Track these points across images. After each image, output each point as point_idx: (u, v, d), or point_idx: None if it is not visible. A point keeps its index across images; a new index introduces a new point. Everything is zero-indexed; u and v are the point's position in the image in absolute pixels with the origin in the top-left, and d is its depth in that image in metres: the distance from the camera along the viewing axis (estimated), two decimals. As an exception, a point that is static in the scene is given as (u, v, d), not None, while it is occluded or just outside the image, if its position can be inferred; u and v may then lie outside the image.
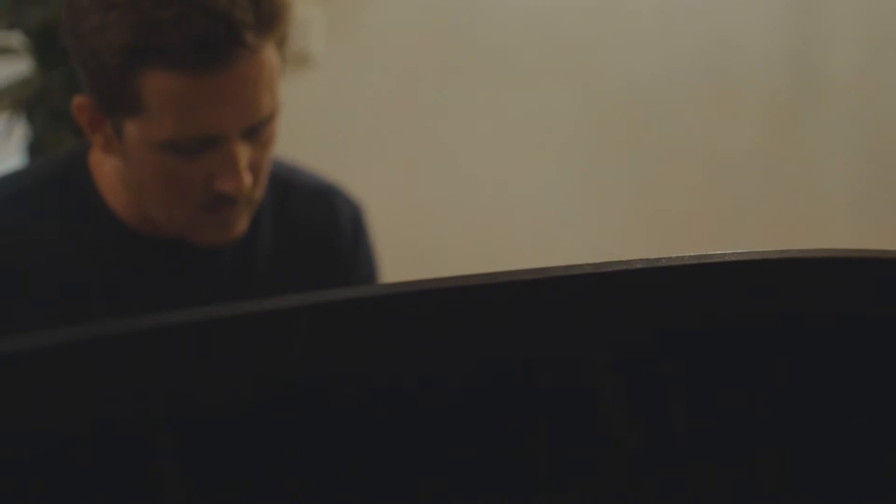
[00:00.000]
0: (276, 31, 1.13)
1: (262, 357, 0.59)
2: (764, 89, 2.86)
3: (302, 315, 0.58)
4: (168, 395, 0.56)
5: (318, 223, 1.35)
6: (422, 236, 2.69)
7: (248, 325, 0.59)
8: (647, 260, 0.61)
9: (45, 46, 2.14)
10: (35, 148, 2.14)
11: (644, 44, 2.81)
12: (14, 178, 1.30)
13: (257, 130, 1.15)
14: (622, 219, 2.84)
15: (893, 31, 2.85)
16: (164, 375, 0.57)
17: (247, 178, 1.15)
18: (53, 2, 2.09)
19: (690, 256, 0.65)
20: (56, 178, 1.27)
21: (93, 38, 1.10)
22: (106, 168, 1.24)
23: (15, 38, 2.22)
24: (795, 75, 2.87)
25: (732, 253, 0.64)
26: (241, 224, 1.21)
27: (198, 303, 1.24)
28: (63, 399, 0.55)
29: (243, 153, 1.14)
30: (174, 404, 0.56)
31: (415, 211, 2.70)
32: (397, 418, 0.63)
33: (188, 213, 1.18)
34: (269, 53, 1.12)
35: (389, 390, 0.63)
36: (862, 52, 2.85)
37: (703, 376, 0.71)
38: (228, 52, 1.09)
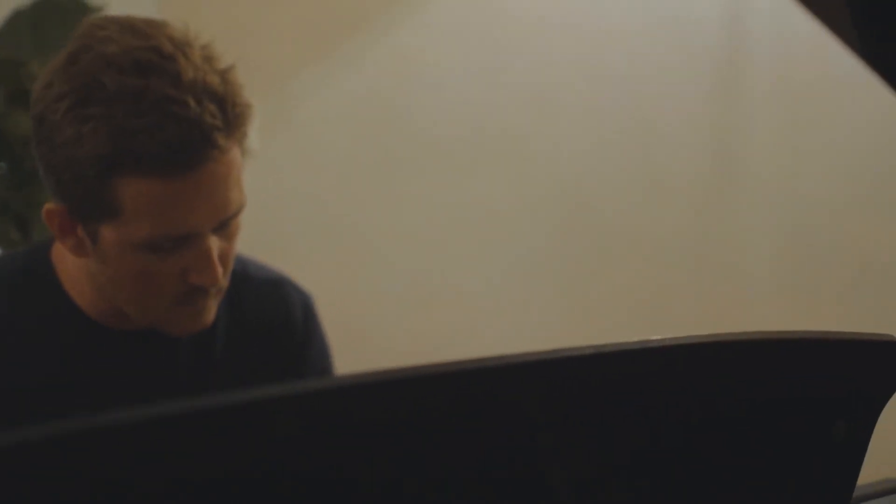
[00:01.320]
0: (240, 132, 1.17)
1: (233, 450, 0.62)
2: (687, 176, 2.95)
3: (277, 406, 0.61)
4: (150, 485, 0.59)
5: (271, 312, 1.39)
6: (361, 325, 2.72)
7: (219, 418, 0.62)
8: (595, 346, 0.66)
9: (-14, 142, 2.17)
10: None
11: (574, 135, 2.89)
12: None
13: (226, 225, 1.20)
14: (553, 301, 2.90)
15: (807, 121, 2.95)
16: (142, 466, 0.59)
17: (219, 270, 1.19)
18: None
19: (633, 342, 0.70)
20: (19, 273, 1.29)
21: (68, 149, 1.13)
22: (68, 263, 1.27)
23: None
24: (716, 163, 2.97)
25: (671, 338, 0.69)
26: (211, 312, 1.25)
27: (159, 391, 1.28)
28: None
29: (215, 247, 1.19)
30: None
31: (353, 301, 2.73)
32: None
33: (163, 306, 1.22)
34: (235, 152, 1.18)
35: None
36: (780, 137, 2.96)
37: (642, 456, 0.76)
38: (201, 155, 1.13)
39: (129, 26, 1.15)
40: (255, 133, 2.69)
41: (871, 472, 0.92)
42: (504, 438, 0.70)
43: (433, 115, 2.80)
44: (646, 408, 0.74)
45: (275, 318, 1.39)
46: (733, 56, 2.93)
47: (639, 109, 2.91)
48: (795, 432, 0.82)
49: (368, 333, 2.73)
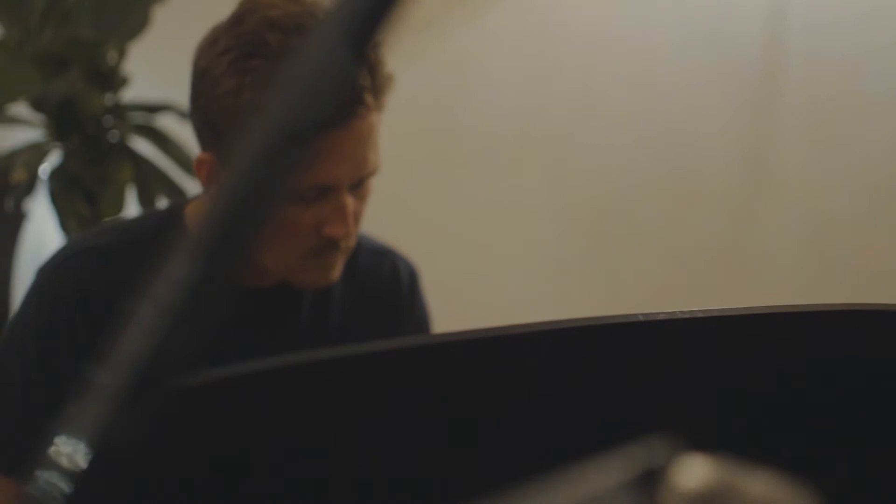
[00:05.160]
0: (382, 98, 1.26)
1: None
2: (720, 185, 3.04)
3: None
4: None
5: (381, 279, 1.46)
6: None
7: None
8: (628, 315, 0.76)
9: (61, 119, 2.27)
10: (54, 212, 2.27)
11: (615, 141, 3.00)
12: (120, 230, 1.39)
13: (361, 184, 1.28)
14: (587, 302, 3.01)
15: (837, 135, 3.04)
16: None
17: (352, 224, 1.28)
18: (75, 79, 2.23)
19: (666, 312, 0.80)
20: (154, 232, 1.34)
21: (227, 98, 1.21)
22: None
23: (23, 110, 2.34)
24: (749, 173, 3.05)
25: (706, 309, 0.80)
26: (338, 268, 1.32)
27: (283, 347, 1.30)
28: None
29: (350, 203, 1.27)
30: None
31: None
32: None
33: (297, 257, 1.29)
34: (376, 117, 1.26)
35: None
36: (808, 152, 3.04)
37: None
38: (351, 111, 1.21)
39: None
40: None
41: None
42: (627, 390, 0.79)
43: (483, 116, 2.92)
44: (761, 368, 0.82)
45: (384, 283, 1.46)
46: (770, 73, 3.02)
47: (677, 120, 3.01)
48: (884, 394, 0.89)
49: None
